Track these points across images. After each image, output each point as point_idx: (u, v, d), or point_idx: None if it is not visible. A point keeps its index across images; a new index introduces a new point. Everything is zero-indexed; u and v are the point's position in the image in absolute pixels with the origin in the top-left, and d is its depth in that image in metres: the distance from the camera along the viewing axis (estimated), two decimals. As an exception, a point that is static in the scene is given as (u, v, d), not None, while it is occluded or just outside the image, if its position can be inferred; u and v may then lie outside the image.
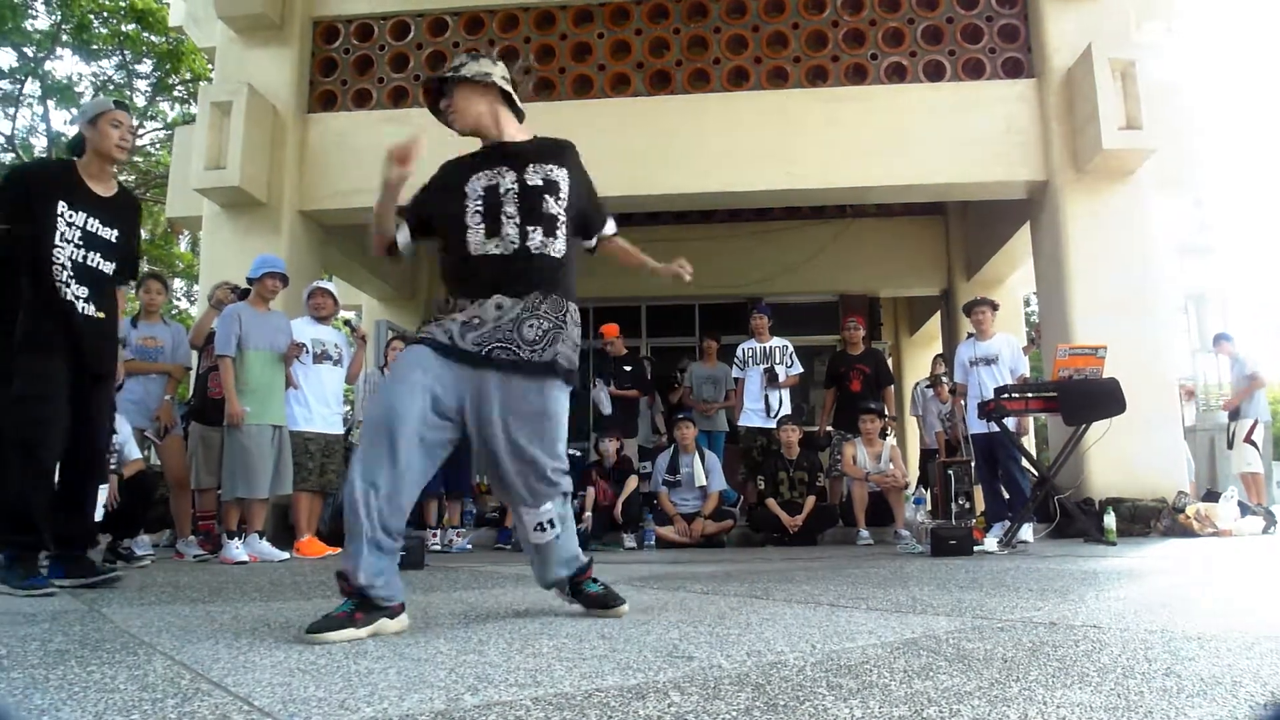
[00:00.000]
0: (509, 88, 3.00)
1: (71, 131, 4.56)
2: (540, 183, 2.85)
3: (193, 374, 7.12)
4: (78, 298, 3.97)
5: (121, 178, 20.96)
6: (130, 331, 6.45)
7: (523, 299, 2.76)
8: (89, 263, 4.04)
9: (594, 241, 3.16)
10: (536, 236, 2.79)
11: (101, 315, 4.10)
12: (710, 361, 9.63)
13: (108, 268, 4.13)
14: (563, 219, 2.86)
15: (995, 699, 1.61)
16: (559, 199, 2.86)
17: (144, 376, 6.45)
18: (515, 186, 2.83)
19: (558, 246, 2.84)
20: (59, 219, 3.94)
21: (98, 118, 4.14)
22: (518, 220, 2.79)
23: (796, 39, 9.45)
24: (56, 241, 3.92)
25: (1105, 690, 1.67)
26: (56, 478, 3.95)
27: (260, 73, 9.37)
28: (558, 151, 2.97)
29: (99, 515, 4.71)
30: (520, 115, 3.06)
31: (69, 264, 3.96)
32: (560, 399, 2.83)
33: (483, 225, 2.80)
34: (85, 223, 4.03)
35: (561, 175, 2.90)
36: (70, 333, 3.93)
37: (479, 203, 2.83)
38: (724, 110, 9.06)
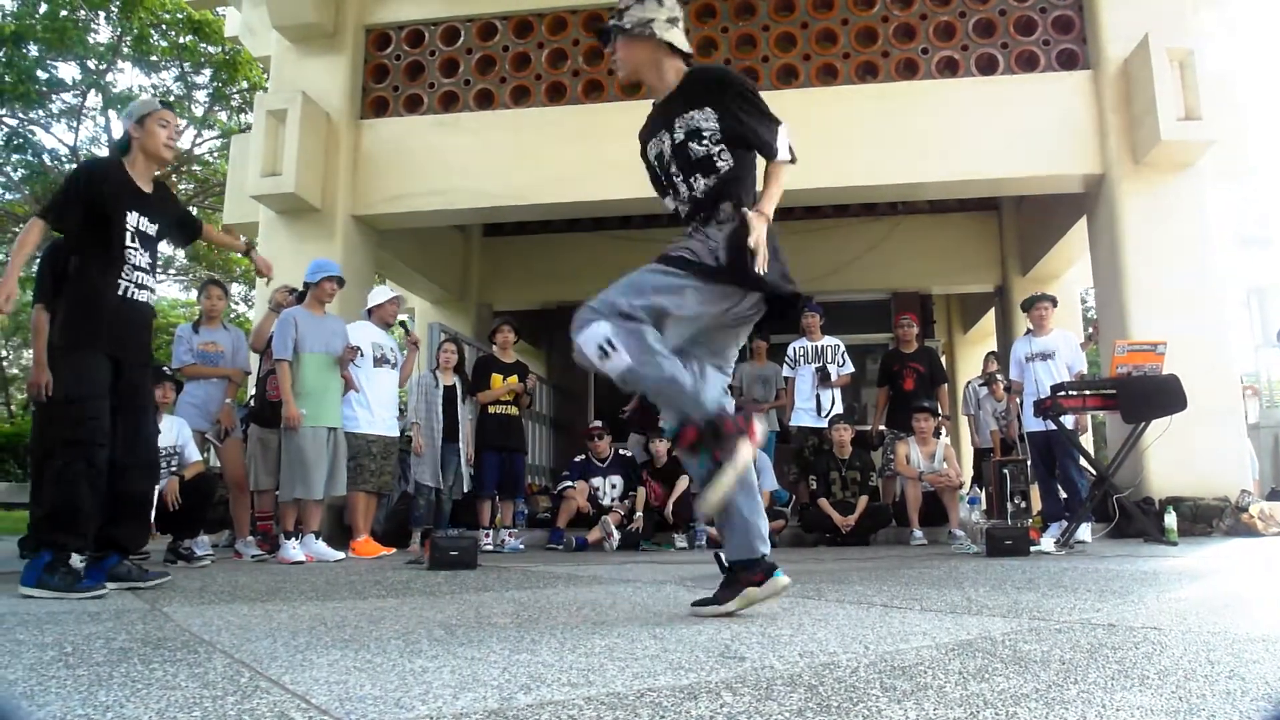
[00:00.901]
0: (669, 35, 3.01)
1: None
2: (683, 136, 2.95)
3: (253, 377, 7.26)
4: (146, 289, 4.17)
5: (180, 186, 21.44)
6: (192, 337, 6.60)
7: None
8: (139, 262, 4.16)
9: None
10: (699, 183, 2.94)
11: (147, 302, 4.22)
12: (760, 361, 9.60)
13: (148, 259, 4.23)
14: (714, 152, 2.93)
15: (1053, 701, 1.58)
16: (703, 141, 2.93)
17: (205, 380, 6.59)
18: (668, 148, 3.00)
19: (721, 174, 2.92)
20: (125, 221, 4.06)
21: (145, 118, 4.22)
22: (680, 177, 2.98)
23: (846, 35, 9.37)
24: (127, 243, 4.05)
25: (1166, 693, 1.64)
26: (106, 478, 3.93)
27: (314, 80, 9.53)
28: (702, 92, 2.99)
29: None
30: (687, 57, 3.10)
31: (139, 260, 4.11)
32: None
33: (664, 189, 3.09)
34: (138, 223, 4.15)
35: (704, 116, 2.94)
36: (116, 328, 3.99)
37: (655, 170, 3.10)
38: (774, 108, 8.99)
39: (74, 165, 18.17)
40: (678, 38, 3.03)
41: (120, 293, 4.03)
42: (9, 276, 3.81)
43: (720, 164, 2.92)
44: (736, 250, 2.77)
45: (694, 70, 3.07)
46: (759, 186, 2.98)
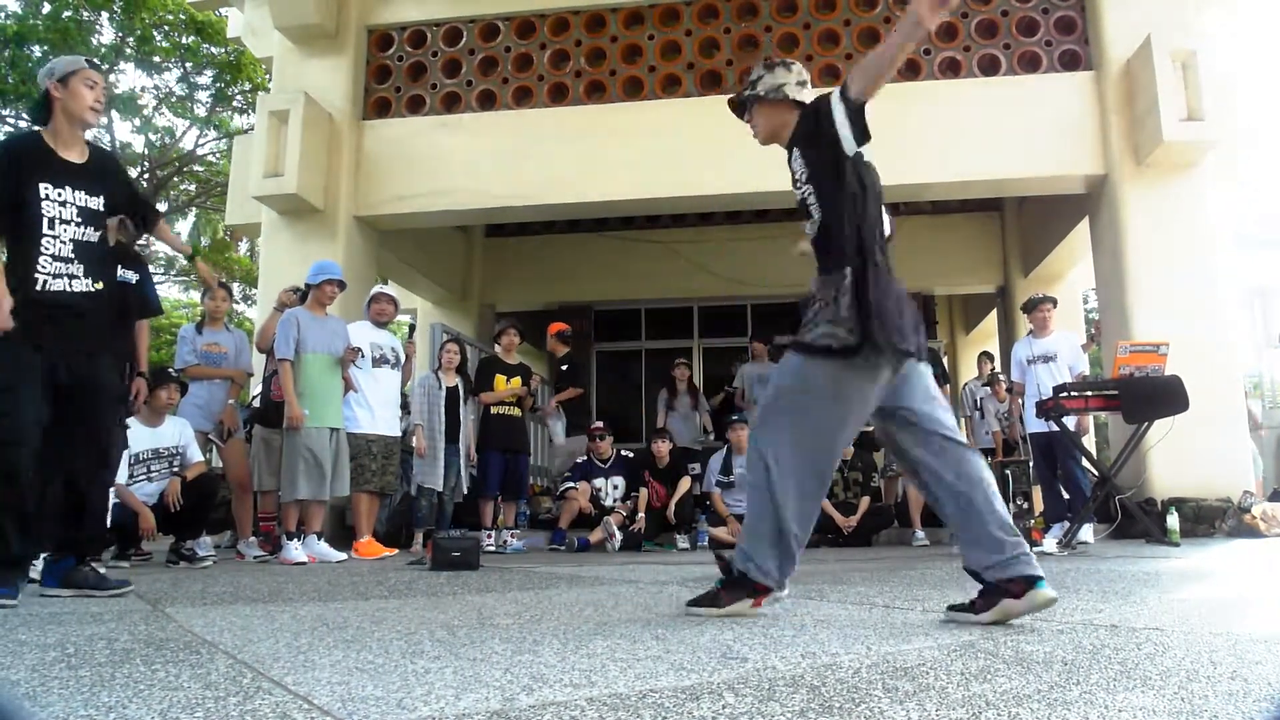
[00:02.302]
0: (800, 95, 3.12)
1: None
2: (794, 179, 3.07)
3: (258, 376, 7.28)
4: (74, 275, 3.70)
5: (183, 187, 21.34)
6: (195, 338, 6.60)
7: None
8: (85, 239, 3.77)
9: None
10: (809, 228, 3.03)
11: (100, 286, 3.81)
12: (760, 360, 9.61)
13: (94, 237, 3.82)
14: (808, 193, 3.00)
15: (1055, 702, 1.58)
16: (799, 183, 3.03)
17: (208, 381, 6.60)
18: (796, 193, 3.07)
19: (816, 221, 2.97)
20: (44, 202, 3.65)
21: (69, 76, 3.77)
22: (807, 219, 3.04)
23: (849, 36, 9.38)
24: (47, 230, 3.63)
25: (1168, 694, 1.64)
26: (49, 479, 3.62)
27: (316, 81, 9.54)
28: (794, 136, 3.07)
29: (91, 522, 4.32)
30: None
31: (70, 243, 3.70)
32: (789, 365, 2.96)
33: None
34: (75, 197, 3.75)
35: (795, 156, 3.04)
36: (36, 324, 3.53)
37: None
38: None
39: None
40: (809, 98, 3.11)
41: (40, 287, 3.60)
42: None
43: (813, 212, 2.98)
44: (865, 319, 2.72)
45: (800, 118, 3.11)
46: (866, 221, 2.87)
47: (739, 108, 3.28)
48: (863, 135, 2.83)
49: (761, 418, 2.94)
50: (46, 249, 3.63)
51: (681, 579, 4.47)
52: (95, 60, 4.18)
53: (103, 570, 3.97)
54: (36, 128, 3.86)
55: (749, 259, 13.00)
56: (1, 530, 3.37)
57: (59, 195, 3.70)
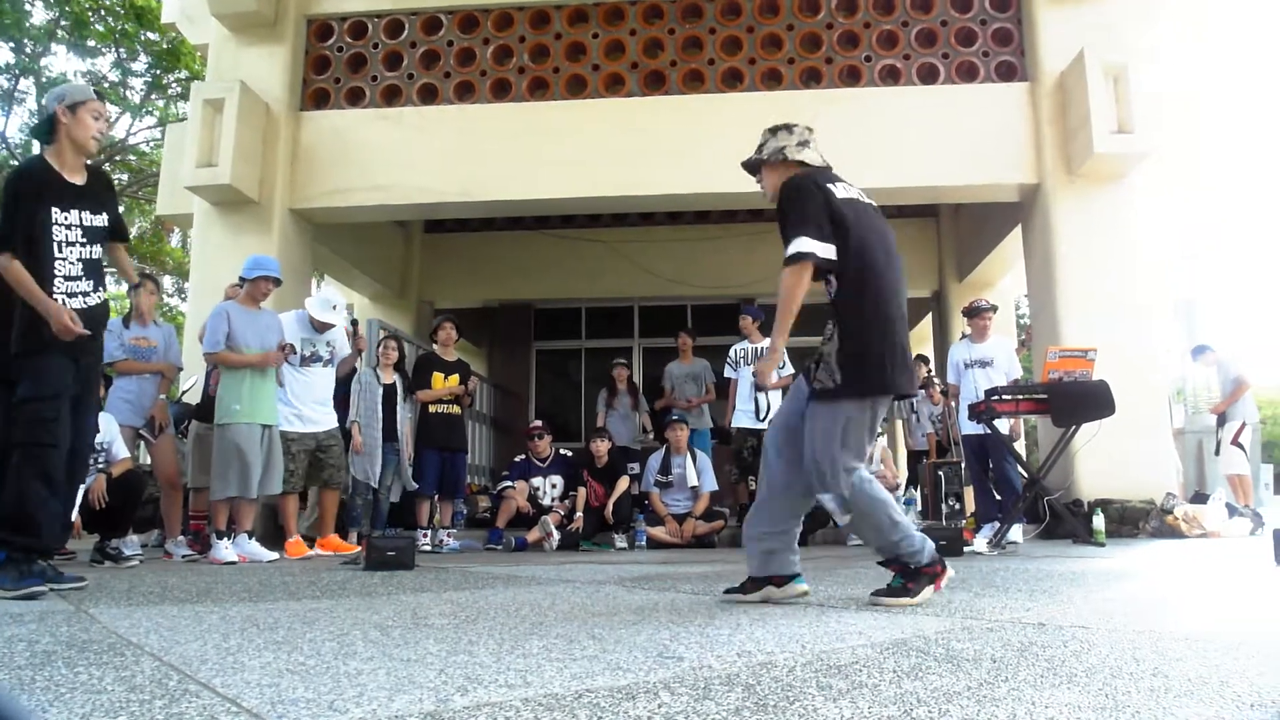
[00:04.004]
0: (800, 155, 3.44)
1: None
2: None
3: (188, 371, 7.12)
4: (84, 292, 4.00)
5: (115, 176, 20.79)
6: (123, 332, 6.42)
7: None
8: (93, 256, 4.04)
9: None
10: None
11: (101, 299, 4.11)
12: (686, 359, 9.65)
13: (99, 253, 4.11)
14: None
15: (984, 699, 1.61)
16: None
17: (138, 376, 6.44)
18: None
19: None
20: (56, 227, 3.90)
21: (78, 106, 4.01)
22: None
23: (791, 41, 9.45)
24: (58, 254, 3.89)
25: (1093, 690, 1.68)
26: None
27: (253, 70, 9.33)
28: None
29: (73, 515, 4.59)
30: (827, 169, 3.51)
31: (79, 263, 3.97)
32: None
33: None
34: (80, 219, 4.00)
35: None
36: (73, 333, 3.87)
37: None
38: (718, 111, 9.05)
39: (3, 151, 17.64)
40: (810, 156, 3.46)
41: (65, 303, 3.89)
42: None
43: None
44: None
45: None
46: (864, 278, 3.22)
47: (753, 171, 3.59)
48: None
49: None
50: (59, 270, 3.91)
51: (619, 578, 4.47)
52: (100, 90, 4.40)
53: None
54: (39, 150, 4.11)
55: (690, 259, 13.06)
56: (38, 527, 3.69)
57: (66, 219, 3.96)
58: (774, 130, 3.53)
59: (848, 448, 3.15)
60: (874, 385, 3.19)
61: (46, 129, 4.06)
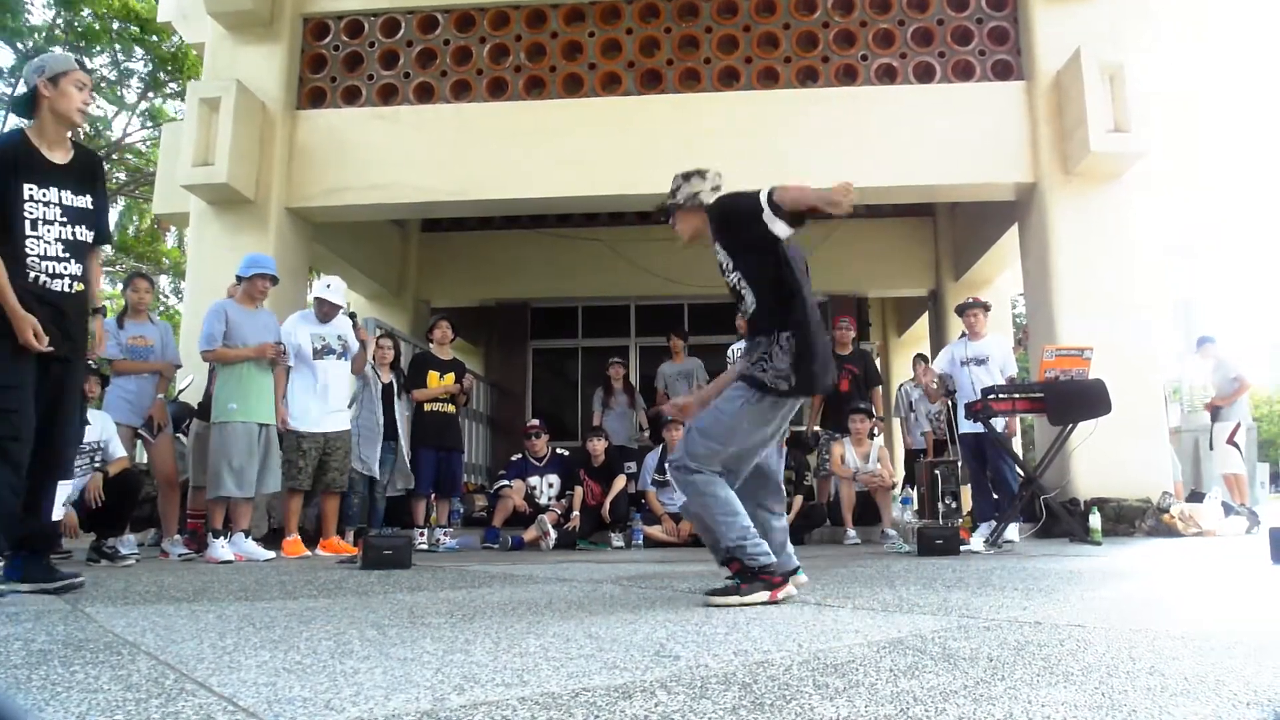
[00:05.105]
0: (712, 199, 3.58)
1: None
2: (721, 269, 3.59)
3: (186, 369, 7.12)
4: (68, 275, 3.78)
5: (113, 175, 20.69)
6: (118, 331, 6.39)
7: None
8: (78, 237, 3.82)
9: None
10: (742, 309, 3.54)
11: (83, 288, 3.88)
12: (679, 358, 9.65)
13: (88, 236, 3.89)
14: (737, 280, 3.52)
15: (980, 698, 1.61)
16: (726, 271, 3.56)
17: (137, 375, 6.42)
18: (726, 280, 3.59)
19: (750, 303, 3.49)
20: (31, 204, 3.69)
21: (59, 76, 3.77)
22: (739, 301, 3.58)
23: (788, 39, 9.45)
24: (30, 231, 3.67)
25: (1089, 689, 1.68)
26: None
27: (249, 69, 9.32)
28: (715, 233, 3.55)
29: (60, 514, 4.45)
30: None
31: (58, 242, 3.74)
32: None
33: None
34: (60, 197, 3.78)
35: (719, 250, 3.55)
36: (41, 319, 3.62)
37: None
38: (714, 110, 9.06)
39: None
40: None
41: (30, 281, 3.65)
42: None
43: (744, 291, 3.48)
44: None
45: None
46: (798, 294, 3.39)
47: (664, 214, 3.75)
48: (793, 223, 3.25)
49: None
50: (31, 249, 3.67)
51: (616, 577, 4.47)
52: (84, 61, 4.19)
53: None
54: (20, 125, 3.90)
55: (686, 258, 12.98)
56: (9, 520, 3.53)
57: (43, 195, 3.74)
58: (687, 176, 3.66)
59: (734, 444, 3.31)
60: (820, 384, 3.40)
61: (27, 103, 3.83)
